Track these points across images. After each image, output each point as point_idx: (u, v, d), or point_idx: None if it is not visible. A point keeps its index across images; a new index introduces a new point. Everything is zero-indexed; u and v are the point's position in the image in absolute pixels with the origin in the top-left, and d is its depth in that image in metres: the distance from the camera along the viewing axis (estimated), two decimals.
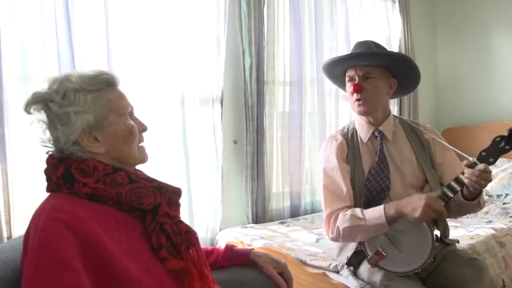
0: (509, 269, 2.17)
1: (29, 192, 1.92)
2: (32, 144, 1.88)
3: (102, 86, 1.03)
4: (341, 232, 1.58)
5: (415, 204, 1.47)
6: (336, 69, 1.77)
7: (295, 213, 2.83)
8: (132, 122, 1.07)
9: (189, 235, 1.06)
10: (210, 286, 1.08)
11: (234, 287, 1.25)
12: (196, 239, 1.09)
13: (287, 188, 2.83)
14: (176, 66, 2.34)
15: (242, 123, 2.61)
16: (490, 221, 2.56)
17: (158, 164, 2.20)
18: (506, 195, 3.00)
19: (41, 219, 0.92)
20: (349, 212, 1.58)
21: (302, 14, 2.86)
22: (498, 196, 3.03)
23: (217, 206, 2.49)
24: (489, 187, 3.06)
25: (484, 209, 2.74)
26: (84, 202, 0.97)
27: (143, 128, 1.11)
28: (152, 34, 2.28)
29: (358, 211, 1.57)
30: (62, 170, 0.98)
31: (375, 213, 1.53)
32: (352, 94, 1.67)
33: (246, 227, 2.48)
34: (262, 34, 2.62)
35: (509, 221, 2.50)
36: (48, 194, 1.02)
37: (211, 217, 2.48)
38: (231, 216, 2.59)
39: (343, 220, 1.57)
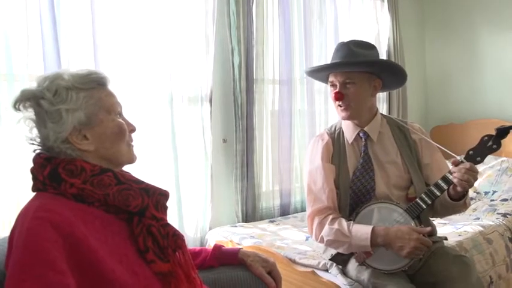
0: (496, 265, 2.19)
1: (15, 192, 1.89)
2: (17, 143, 1.85)
3: (93, 84, 1.03)
4: (325, 241, 1.62)
5: (403, 242, 1.46)
6: (319, 74, 1.78)
7: (285, 211, 2.84)
8: (121, 121, 1.07)
9: (176, 238, 1.05)
10: None
11: (223, 286, 1.24)
12: (183, 241, 1.08)
13: (277, 186, 2.83)
14: (164, 65, 2.32)
15: (231, 122, 2.60)
16: (478, 218, 2.59)
17: (147, 164, 2.18)
18: (494, 192, 3.03)
19: (27, 218, 0.91)
20: (336, 225, 1.57)
21: (291, 12, 2.86)
22: (486, 193, 3.06)
23: (207, 205, 2.48)
24: (477, 184, 3.10)
25: (472, 206, 2.78)
26: (70, 203, 0.96)
27: (132, 129, 1.10)
28: (140, 32, 2.26)
29: (344, 226, 1.56)
30: (49, 170, 0.97)
31: (362, 234, 1.52)
32: (335, 101, 1.68)
33: (236, 226, 2.47)
34: (251, 32, 2.61)
35: (497, 218, 2.53)
36: (34, 193, 1.00)
37: (201, 216, 2.47)
38: (221, 215, 2.58)
39: (329, 232, 1.59)
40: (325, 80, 1.76)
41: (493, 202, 2.89)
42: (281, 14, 2.79)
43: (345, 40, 1.76)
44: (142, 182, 1.06)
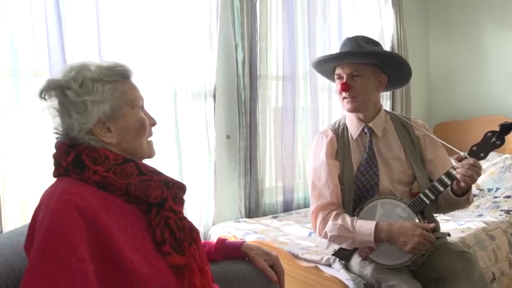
0: (499, 261, 2.19)
1: (20, 187, 1.90)
2: (23, 138, 1.86)
3: (118, 77, 1.04)
4: (328, 237, 1.62)
5: (407, 238, 1.47)
6: (325, 67, 1.78)
7: (288, 207, 2.84)
8: (143, 115, 1.08)
9: (191, 232, 1.06)
10: (209, 283, 1.08)
11: (226, 279, 1.26)
12: (198, 235, 1.09)
13: (280, 182, 2.83)
14: (168, 61, 2.33)
15: (235, 118, 2.61)
16: (481, 215, 2.59)
17: (151, 159, 2.18)
18: (497, 189, 3.03)
19: (53, 200, 0.91)
20: (339, 220, 1.58)
21: (295, 8, 2.85)
22: (489, 190, 3.06)
23: (210, 200, 2.49)
24: (480, 181, 3.09)
25: (475, 203, 2.78)
26: (93, 189, 0.97)
27: (153, 122, 1.11)
28: (144, 27, 2.26)
29: (348, 221, 1.56)
30: (73, 156, 0.98)
31: (365, 230, 1.52)
32: (341, 92, 1.68)
33: (239, 222, 2.48)
34: (255, 28, 2.61)
35: (500, 215, 2.53)
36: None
37: (204, 212, 2.48)
38: (224, 210, 2.59)
39: (332, 228, 1.59)
40: (331, 75, 1.77)
41: (496, 199, 2.88)
42: (285, 10, 2.79)
43: (351, 36, 1.76)
44: (162, 174, 1.07)
